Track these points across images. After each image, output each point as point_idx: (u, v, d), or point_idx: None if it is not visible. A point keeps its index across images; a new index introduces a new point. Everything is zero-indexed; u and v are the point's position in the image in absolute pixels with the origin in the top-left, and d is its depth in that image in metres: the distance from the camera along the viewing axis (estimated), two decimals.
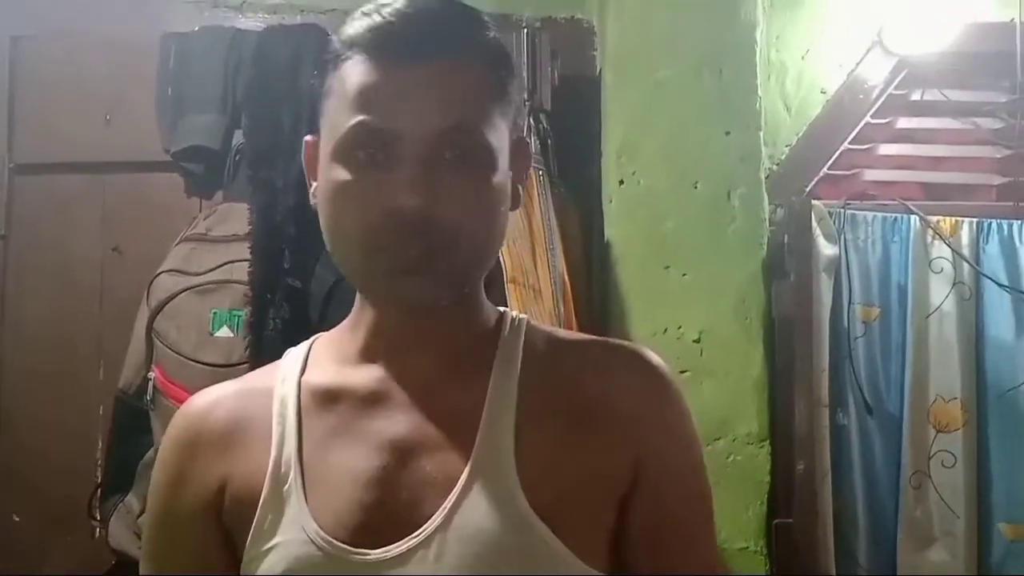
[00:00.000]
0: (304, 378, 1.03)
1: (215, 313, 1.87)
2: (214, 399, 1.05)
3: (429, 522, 0.93)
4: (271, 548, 0.96)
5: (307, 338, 1.83)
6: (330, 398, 1.01)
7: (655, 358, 1.03)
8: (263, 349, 1.84)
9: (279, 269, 1.89)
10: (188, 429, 1.03)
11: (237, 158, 2.02)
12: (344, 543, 0.94)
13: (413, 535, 0.93)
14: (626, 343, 1.08)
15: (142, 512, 1.88)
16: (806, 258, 1.93)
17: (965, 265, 1.99)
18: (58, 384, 2.06)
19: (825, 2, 2.02)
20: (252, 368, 1.82)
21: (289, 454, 0.98)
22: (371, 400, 1.00)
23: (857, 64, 2.04)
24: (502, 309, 1.07)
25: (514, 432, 0.96)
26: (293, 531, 0.95)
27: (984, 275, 1.99)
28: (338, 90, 0.96)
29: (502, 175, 0.98)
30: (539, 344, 1.03)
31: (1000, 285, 1.99)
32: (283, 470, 0.98)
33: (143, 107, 2.05)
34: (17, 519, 2.06)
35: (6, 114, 2.10)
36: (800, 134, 2.03)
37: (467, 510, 0.93)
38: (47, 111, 2.11)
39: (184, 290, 1.89)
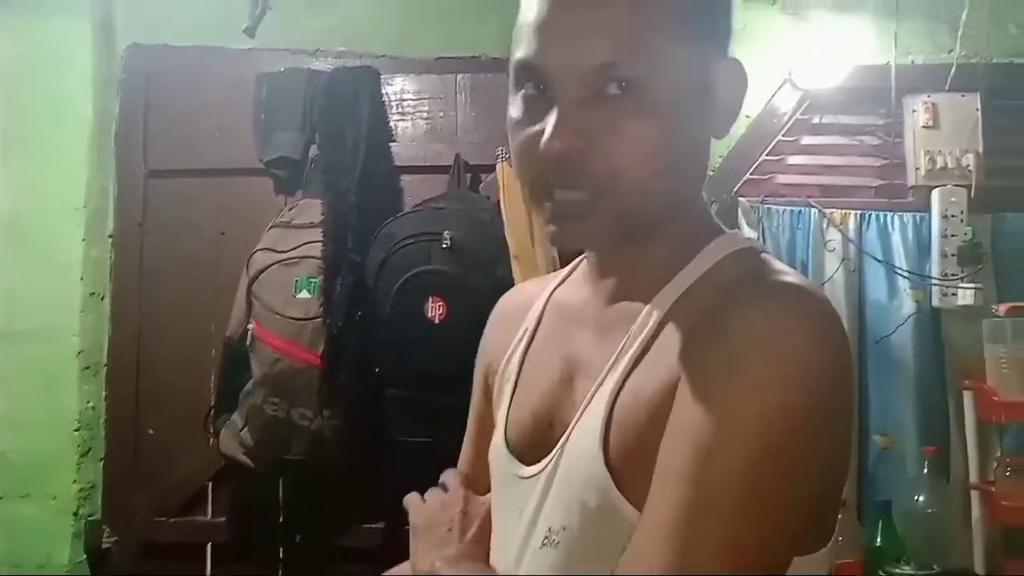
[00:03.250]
0: (556, 288, 0.85)
1: (297, 280, 1.90)
2: (516, 290, 0.94)
3: (550, 455, 0.74)
4: (494, 431, 0.83)
5: (363, 299, 1.90)
6: (555, 311, 0.83)
7: (800, 305, 0.66)
8: (332, 306, 1.87)
9: (344, 247, 1.91)
10: (492, 311, 0.92)
11: (312, 165, 2.03)
12: (513, 450, 0.79)
13: (542, 461, 0.74)
14: (792, 286, 0.68)
15: (243, 427, 1.93)
16: None
17: (851, 246, 2.01)
18: (183, 334, 2.08)
19: (749, 52, 2.04)
20: (324, 322, 1.88)
21: (520, 354, 0.83)
22: (569, 319, 0.80)
23: (772, 96, 2.06)
24: (731, 238, 0.76)
25: (623, 377, 0.70)
26: (500, 424, 0.82)
27: (865, 253, 2.01)
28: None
29: (676, 108, 0.68)
30: (715, 281, 0.70)
31: (876, 260, 2.01)
32: (510, 367, 0.83)
33: (243, 127, 2.07)
34: (152, 432, 2.09)
35: (143, 132, 2.11)
36: (730, 148, 2.05)
37: (568, 452, 0.72)
38: (173, 130, 2.12)
39: (274, 263, 1.92)
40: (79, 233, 2.04)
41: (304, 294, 1.89)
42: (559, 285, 0.85)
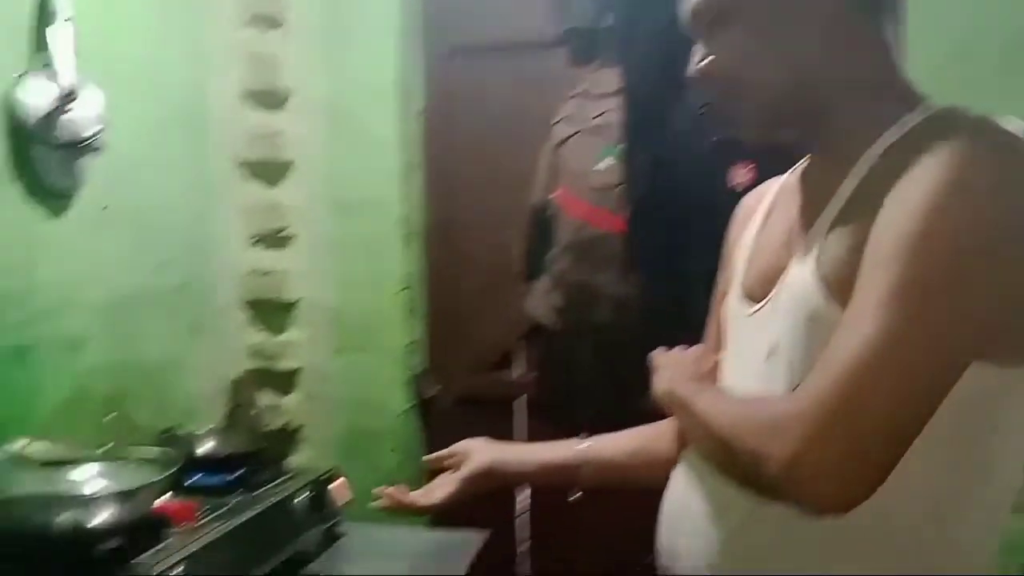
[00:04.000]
0: (786, 180, 1.01)
1: (599, 148, 1.95)
2: (756, 190, 1.07)
3: (774, 289, 0.90)
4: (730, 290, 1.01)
5: (667, 165, 1.91)
6: (782, 195, 0.99)
7: (974, 137, 0.76)
8: (636, 173, 1.91)
9: (646, 114, 1.93)
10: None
11: (608, 34, 2.05)
12: (745, 296, 0.96)
13: (767, 296, 0.91)
14: (993, 123, 0.78)
15: (549, 291, 2.05)
16: None
17: None
18: (491, 202, 2.20)
19: None
20: (627, 189, 1.93)
21: (754, 231, 1.00)
22: (791, 195, 0.95)
23: None
24: (934, 106, 0.84)
25: (834, 222, 0.83)
26: (736, 282, 0.99)
27: None
28: None
29: (785, 12, 0.85)
30: (915, 136, 0.80)
31: None
32: (745, 242, 1.01)
33: (537, 1, 2.10)
34: (459, 300, 2.27)
35: (445, 11, 2.19)
36: None
37: (787, 283, 0.87)
38: (473, 8, 2.19)
39: (576, 133, 1.98)
40: (393, 110, 2.20)
41: (607, 161, 1.94)
42: (788, 177, 1.00)
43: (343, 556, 1.67)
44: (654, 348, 1.10)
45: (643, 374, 1.07)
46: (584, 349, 2.09)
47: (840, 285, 0.79)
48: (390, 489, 1.35)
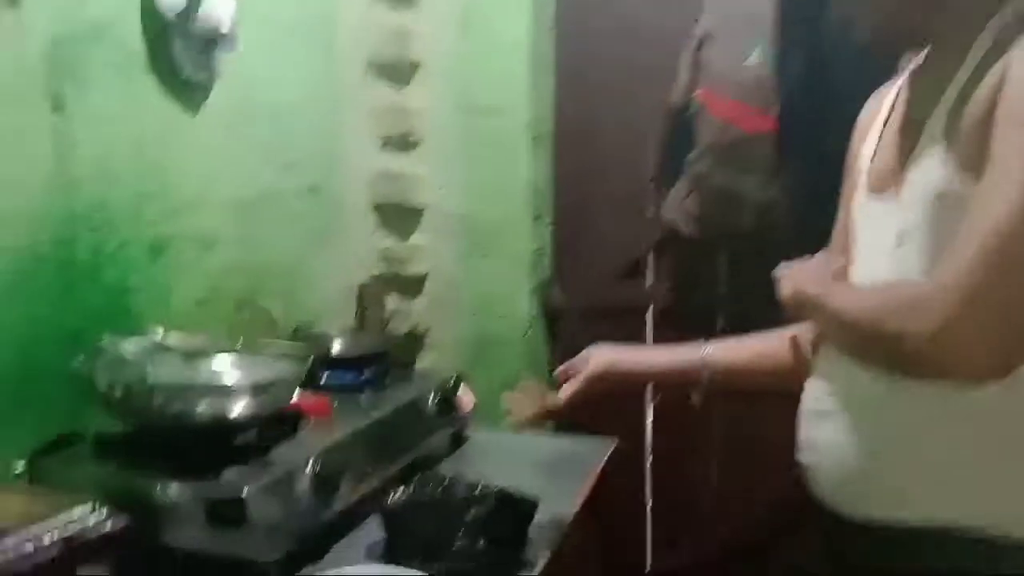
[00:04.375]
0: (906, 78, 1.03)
1: (747, 44, 1.82)
2: (877, 91, 1.11)
3: (900, 177, 0.93)
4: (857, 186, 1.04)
5: (819, 62, 1.78)
6: (904, 90, 1.02)
7: None
8: (785, 69, 1.78)
9: (796, 5, 1.79)
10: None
11: None
12: (871, 189, 0.99)
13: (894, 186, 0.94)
14: None
15: (687, 196, 1.95)
16: None
17: None
18: (626, 103, 2.10)
19: None
20: (777, 88, 1.80)
21: (879, 127, 1.03)
22: (910, 88, 1.00)
23: None
24: None
25: (955, 106, 0.86)
26: (862, 176, 1.03)
27: None
28: None
29: None
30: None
31: None
32: (871, 137, 1.04)
33: None
34: (588, 206, 2.19)
35: None
36: None
37: (913, 172, 0.90)
38: None
39: (722, 26, 1.85)
40: (525, 9, 2.11)
41: (756, 57, 1.81)
42: (906, 75, 1.02)
43: (469, 459, 1.66)
44: (794, 255, 1.08)
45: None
46: (722, 258, 2.00)
47: (970, 159, 0.81)
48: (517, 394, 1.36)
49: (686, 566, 2.14)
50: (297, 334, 1.66)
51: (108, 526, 0.96)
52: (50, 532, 0.90)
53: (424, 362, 2.18)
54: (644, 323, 2.17)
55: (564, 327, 2.21)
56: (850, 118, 1.75)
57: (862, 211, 1.01)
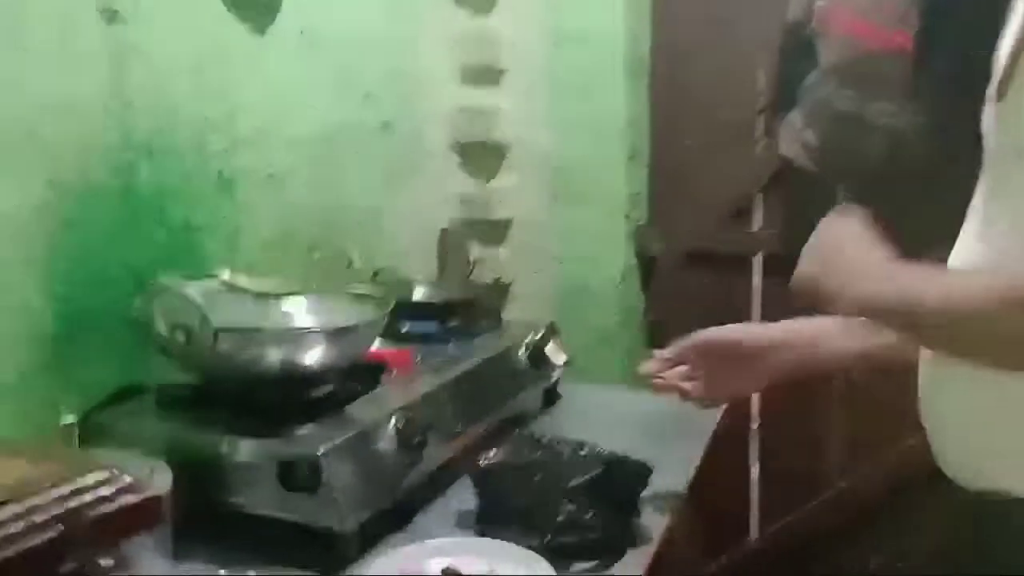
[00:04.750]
0: None
1: None
2: None
3: None
4: None
5: None
6: None
7: None
8: None
9: None
10: None
11: None
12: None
13: None
14: None
15: (805, 126, 1.75)
16: None
17: None
18: (730, 25, 1.92)
19: None
20: None
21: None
22: None
23: None
24: None
25: None
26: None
27: None
28: None
29: None
30: None
31: None
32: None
33: None
34: (688, 143, 2.01)
35: None
36: None
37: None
38: None
39: None
40: None
41: None
42: None
43: (563, 418, 1.51)
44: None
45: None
46: (845, 195, 1.79)
47: None
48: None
49: (794, 539, 1.97)
50: (377, 279, 1.52)
51: (129, 499, 0.77)
52: (46, 508, 0.72)
53: (509, 315, 2.03)
54: (750, 272, 1.98)
55: (661, 276, 2.03)
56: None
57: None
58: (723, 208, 1.98)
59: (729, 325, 1.17)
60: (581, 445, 1.12)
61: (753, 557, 2.00)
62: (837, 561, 1.91)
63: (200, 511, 1.00)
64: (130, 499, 0.76)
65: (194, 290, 1.05)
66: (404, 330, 1.46)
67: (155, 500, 0.80)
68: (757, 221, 1.97)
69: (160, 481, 0.88)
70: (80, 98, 1.14)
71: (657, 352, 1.20)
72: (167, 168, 1.27)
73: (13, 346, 1.05)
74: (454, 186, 2.02)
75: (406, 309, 1.46)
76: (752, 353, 1.12)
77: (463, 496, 1.13)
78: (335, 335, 1.07)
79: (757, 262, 1.98)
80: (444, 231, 1.94)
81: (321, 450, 0.98)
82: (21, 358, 1.06)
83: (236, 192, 1.39)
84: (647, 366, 1.18)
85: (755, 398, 2.00)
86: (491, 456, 1.12)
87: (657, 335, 2.03)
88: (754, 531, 2.02)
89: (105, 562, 0.70)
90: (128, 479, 0.77)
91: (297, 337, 1.05)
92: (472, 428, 1.25)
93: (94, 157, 1.16)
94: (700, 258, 2.00)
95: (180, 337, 1.01)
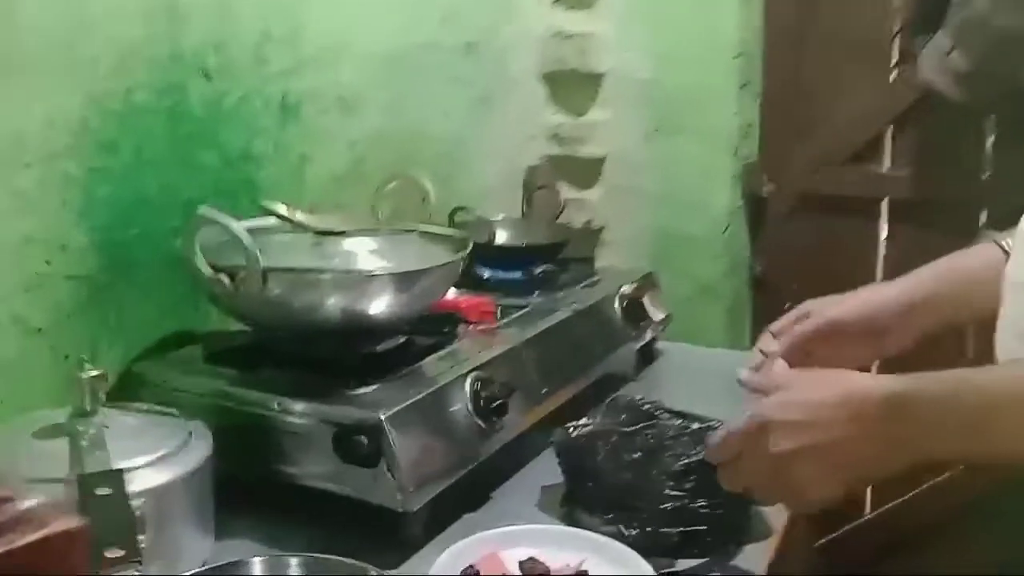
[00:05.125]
0: None
1: None
2: None
3: None
4: None
5: None
6: None
7: None
8: None
9: None
10: None
11: None
12: None
13: None
14: None
15: (952, 49, 1.50)
16: None
17: None
18: None
19: None
20: None
21: None
22: None
23: None
24: None
25: None
26: None
27: None
28: None
29: None
30: None
31: None
32: None
33: None
34: (808, 70, 1.77)
35: None
36: None
37: None
38: None
39: None
40: None
41: None
42: None
43: (662, 381, 1.34)
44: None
45: None
46: (993, 132, 1.55)
47: None
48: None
49: (909, 516, 1.77)
50: (455, 219, 1.37)
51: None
52: None
53: (602, 263, 1.86)
54: (876, 218, 1.76)
55: (772, 221, 1.83)
56: None
57: None
58: (847, 145, 1.75)
59: (848, 297, 0.96)
60: (689, 416, 0.95)
61: (866, 532, 1.81)
62: (950, 544, 1.70)
63: (248, 481, 0.88)
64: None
65: (244, 225, 0.91)
66: (484, 276, 1.31)
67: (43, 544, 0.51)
68: (886, 161, 1.74)
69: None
70: (123, 6, 1.00)
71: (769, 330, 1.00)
72: (223, 88, 1.13)
73: (47, 284, 0.94)
74: (543, 119, 1.84)
75: (487, 254, 1.31)
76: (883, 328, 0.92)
77: (547, 470, 0.98)
78: (404, 280, 0.92)
79: (884, 207, 1.75)
80: (530, 168, 1.77)
81: (383, 415, 0.83)
82: (58, 298, 0.94)
83: (301, 117, 1.25)
84: (765, 343, 0.99)
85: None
86: (581, 425, 0.96)
87: (766, 289, 1.84)
88: (867, 508, 1.83)
89: None
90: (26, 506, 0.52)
91: (360, 281, 0.90)
92: (559, 391, 1.09)
93: (138, 74, 1.02)
94: (818, 201, 1.78)
95: (225, 279, 0.87)
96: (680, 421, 0.95)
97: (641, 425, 0.94)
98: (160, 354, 1.02)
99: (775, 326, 1.00)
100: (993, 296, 0.80)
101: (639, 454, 0.90)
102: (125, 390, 0.96)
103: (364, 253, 0.96)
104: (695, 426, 0.93)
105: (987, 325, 0.80)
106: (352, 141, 1.35)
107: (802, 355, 0.95)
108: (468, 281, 1.20)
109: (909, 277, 0.94)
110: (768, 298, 1.82)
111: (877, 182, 1.74)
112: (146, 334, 1.04)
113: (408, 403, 0.87)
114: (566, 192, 1.85)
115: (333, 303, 0.90)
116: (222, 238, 0.88)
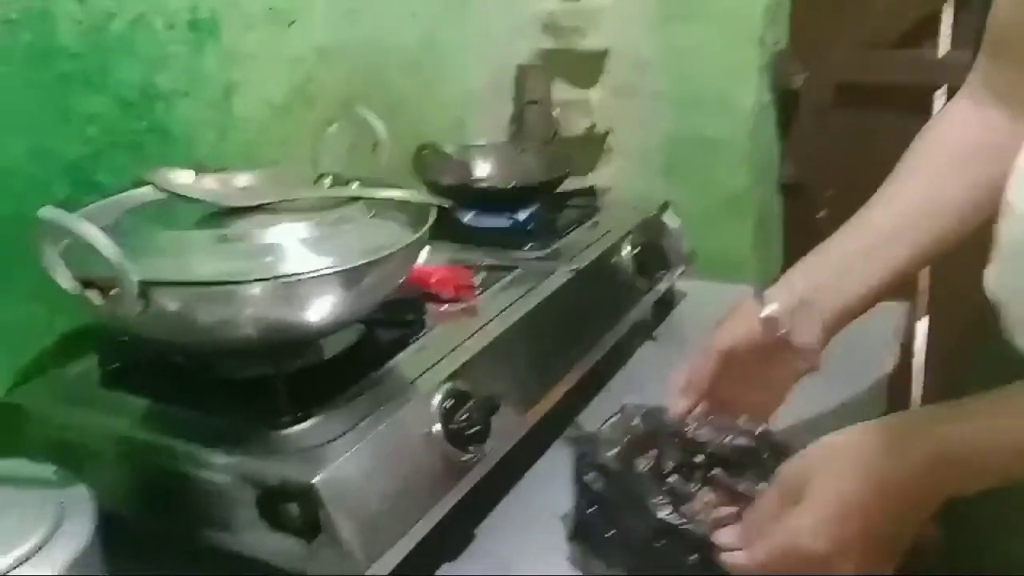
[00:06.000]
0: None
1: None
2: None
3: None
4: None
5: None
6: None
7: None
8: None
9: None
10: None
11: None
12: None
13: None
14: None
15: None
16: None
17: None
18: None
19: None
20: None
21: None
22: None
23: None
24: None
25: None
26: None
27: None
28: None
29: None
30: None
31: None
32: None
33: None
34: None
35: None
36: None
37: None
38: None
39: None
40: None
41: None
42: None
43: (685, 336, 1.12)
44: None
45: None
46: None
47: None
48: None
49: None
50: (424, 156, 1.12)
51: None
52: None
53: (606, 176, 1.61)
54: (931, 112, 1.49)
55: (807, 119, 1.57)
56: None
57: None
58: (896, 25, 1.47)
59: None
60: (730, 427, 0.73)
61: None
62: None
63: (167, 544, 0.68)
64: None
65: (111, 215, 0.67)
66: (463, 220, 1.08)
67: None
68: (944, 43, 1.46)
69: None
70: None
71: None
72: (105, 8, 0.86)
73: None
74: (533, 6, 1.55)
75: (465, 197, 1.08)
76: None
77: (543, 489, 0.78)
78: (344, 279, 0.69)
79: (939, 100, 1.48)
80: (521, 69, 1.50)
81: (316, 479, 0.62)
82: None
83: (219, 37, 0.98)
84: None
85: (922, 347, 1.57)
86: (588, 436, 0.75)
87: (798, 198, 1.60)
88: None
89: None
90: None
91: (282, 288, 0.67)
92: (556, 386, 0.87)
93: None
94: (860, 93, 1.51)
95: (95, 296, 0.64)
96: (719, 431, 0.73)
97: (666, 435, 0.74)
98: (49, 371, 0.80)
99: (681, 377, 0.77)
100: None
101: (668, 483, 0.70)
102: (2, 425, 0.75)
103: (292, 242, 0.72)
104: (737, 442, 0.72)
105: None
106: (292, 59, 1.09)
107: (717, 404, 0.76)
108: (443, 231, 0.96)
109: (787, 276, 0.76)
110: (801, 209, 1.58)
111: (932, 69, 1.46)
112: (34, 341, 0.82)
113: (352, 451, 0.65)
114: (563, 93, 1.59)
115: (249, 316, 0.67)
116: (76, 243, 0.63)
